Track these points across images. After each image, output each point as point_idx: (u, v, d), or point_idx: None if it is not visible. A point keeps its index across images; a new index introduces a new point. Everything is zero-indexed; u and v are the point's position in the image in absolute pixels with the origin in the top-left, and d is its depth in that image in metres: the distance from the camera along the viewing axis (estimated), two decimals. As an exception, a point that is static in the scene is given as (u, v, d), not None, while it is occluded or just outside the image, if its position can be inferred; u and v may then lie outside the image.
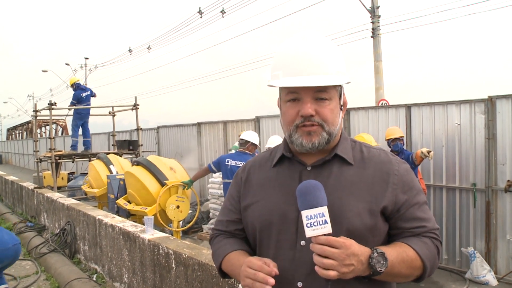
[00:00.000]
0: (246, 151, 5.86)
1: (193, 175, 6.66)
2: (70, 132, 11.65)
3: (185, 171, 6.93)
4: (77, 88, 11.08)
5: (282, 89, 1.35)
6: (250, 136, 5.92)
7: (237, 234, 1.48)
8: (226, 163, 5.82)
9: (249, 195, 1.43)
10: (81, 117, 11.12)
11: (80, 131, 11.33)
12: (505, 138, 5.47)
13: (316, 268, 1.13)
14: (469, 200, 5.88)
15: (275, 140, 5.83)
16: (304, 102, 1.28)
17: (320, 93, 1.28)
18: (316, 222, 1.13)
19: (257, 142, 5.92)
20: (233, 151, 6.97)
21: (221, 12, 16.18)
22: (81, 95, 10.94)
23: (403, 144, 5.98)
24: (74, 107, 10.83)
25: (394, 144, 5.88)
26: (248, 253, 1.42)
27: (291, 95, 1.30)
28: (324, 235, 1.13)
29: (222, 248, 1.45)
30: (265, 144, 6.21)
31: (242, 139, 5.90)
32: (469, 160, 5.87)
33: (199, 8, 17.25)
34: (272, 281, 1.18)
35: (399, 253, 1.23)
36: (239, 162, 5.73)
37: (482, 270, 5.42)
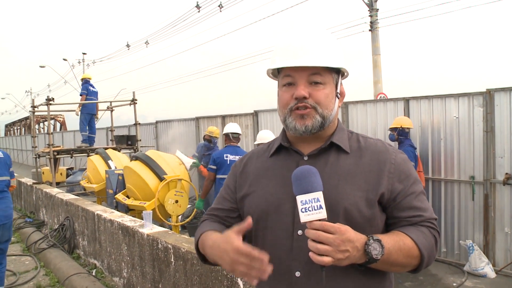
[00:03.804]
0: (238, 145, 6.09)
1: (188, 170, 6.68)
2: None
3: (184, 166, 6.92)
4: (86, 82, 11.22)
5: (279, 75, 1.37)
6: (238, 128, 6.20)
7: (227, 220, 1.47)
8: (225, 158, 5.81)
9: (246, 185, 1.43)
10: (88, 111, 11.15)
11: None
12: (503, 131, 5.48)
13: (311, 254, 1.12)
14: (468, 193, 5.90)
15: (264, 135, 5.81)
16: (298, 85, 1.30)
17: (314, 76, 1.29)
18: (311, 207, 1.13)
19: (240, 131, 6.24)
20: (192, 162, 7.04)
21: (218, 6, 16.13)
22: (89, 88, 11.06)
23: (394, 135, 6.05)
24: (83, 101, 10.88)
25: (391, 134, 6.11)
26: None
27: (287, 79, 1.32)
28: (319, 220, 1.12)
29: (203, 227, 1.44)
30: (254, 141, 6.22)
31: (236, 133, 6.09)
32: (467, 153, 5.87)
33: (197, 2, 17.18)
34: (269, 268, 1.15)
35: (396, 241, 1.22)
36: (237, 157, 5.77)
37: (480, 262, 5.44)
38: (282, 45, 1.34)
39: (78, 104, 11.06)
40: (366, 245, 1.16)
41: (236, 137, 6.07)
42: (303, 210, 1.13)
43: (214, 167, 5.86)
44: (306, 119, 1.30)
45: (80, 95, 11.04)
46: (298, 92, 1.28)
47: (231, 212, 1.47)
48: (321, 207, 1.13)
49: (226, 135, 6.15)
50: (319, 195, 1.14)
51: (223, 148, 6.15)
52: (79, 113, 11.02)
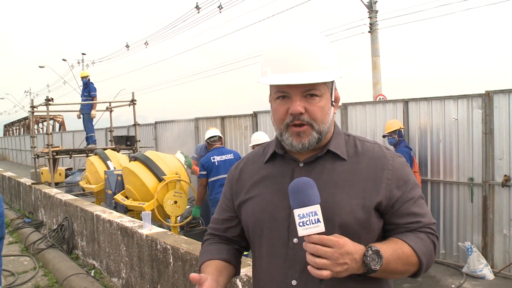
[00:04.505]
0: (222, 146, 6.24)
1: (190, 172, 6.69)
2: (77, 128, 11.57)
3: (183, 166, 6.92)
4: (90, 82, 11.22)
5: (271, 86, 1.32)
6: (213, 132, 6.36)
7: (229, 233, 1.48)
8: (212, 160, 5.87)
9: (242, 192, 1.42)
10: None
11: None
12: (502, 133, 5.48)
13: (309, 268, 1.11)
14: (466, 195, 5.90)
15: (259, 136, 5.87)
16: (293, 100, 1.25)
17: (309, 90, 1.25)
18: (308, 221, 1.11)
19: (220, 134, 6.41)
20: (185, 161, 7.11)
21: (218, 7, 16.16)
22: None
23: (395, 139, 6.10)
24: (96, 101, 10.95)
25: (391, 138, 6.14)
26: (226, 261, 1.41)
27: (280, 93, 1.27)
28: (317, 234, 1.11)
29: (202, 256, 1.46)
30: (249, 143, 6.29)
31: (215, 136, 6.26)
32: (466, 155, 5.88)
33: (196, 3, 17.21)
34: None
35: (394, 250, 1.21)
36: (224, 156, 5.93)
37: (479, 264, 5.45)
38: (273, 55, 1.27)
39: (93, 106, 11.08)
40: (364, 256, 1.15)
41: (213, 140, 6.23)
42: (301, 224, 1.11)
43: (204, 172, 5.92)
44: (303, 136, 1.27)
45: (93, 96, 11.02)
46: (294, 108, 1.24)
47: (230, 222, 1.48)
48: (318, 220, 1.11)
49: (207, 143, 6.38)
50: (317, 208, 1.12)
51: (208, 152, 6.20)
52: (81, 114, 11.05)
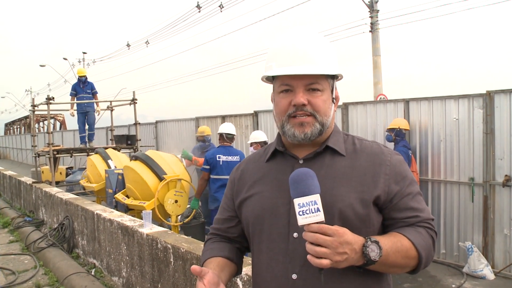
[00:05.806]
0: (231, 145, 6.10)
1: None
2: (78, 126, 11.55)
3: (183, 165, 6.92)
4: (87, 79, 11.21)
5: (275, 81, 1.36)
6: (233, 129, 6.17)
7: (230, 232, 1.51)
8: (217, 159, 5.87)
9: (243, 191, 1.44)
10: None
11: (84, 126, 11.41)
12: (503, 133, 5.48)
13: (309, 257, 1.12)
14: (467, 195, 5.89)
15: (257, 135, 5.93)
16: (296, 92, 1.29)
17: (312, 84, 1.29)
18: (308, 210, 1.12)
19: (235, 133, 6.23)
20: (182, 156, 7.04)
21: (219, 6, 16.15)
22: None
23: (391, 136, 6.17)
24: (95, 100, 11.01)
25: (388, 135, 6.22)
26: (227, 258, 1.44)
27: (284, 86, 1.32)
28: (317, 223, 1.12)
29: (204, 254, 1.48)
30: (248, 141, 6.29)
31: (230, 134, 6.08)
32: (467, 155, 5.87)
33: (197, 2, 17.20)
34: None
35: (393, 243, 1.22)
36: (230, 157, 5.89)
37: (479, 264, 5.44)
38: (277, 51, 1.33)
39: (97, 105, 11.12)
40: (364, 247, 1.16)
41: (230, 137, 6.09)
42: (301, 213, 1.13)
43: (207, 166, 5.93)
44: (306, 126, 1.30)
45: (96, 94, 11.07)
46: (297, 99, 1.28)
47: (230, 221, 1.50)
48: (318, 210, 1.12)
49: (220, 134, 6.15)
50: (317, 197, 1.13)
51: (215, 149, 6.20)
52: (87, 113, 11.08)
